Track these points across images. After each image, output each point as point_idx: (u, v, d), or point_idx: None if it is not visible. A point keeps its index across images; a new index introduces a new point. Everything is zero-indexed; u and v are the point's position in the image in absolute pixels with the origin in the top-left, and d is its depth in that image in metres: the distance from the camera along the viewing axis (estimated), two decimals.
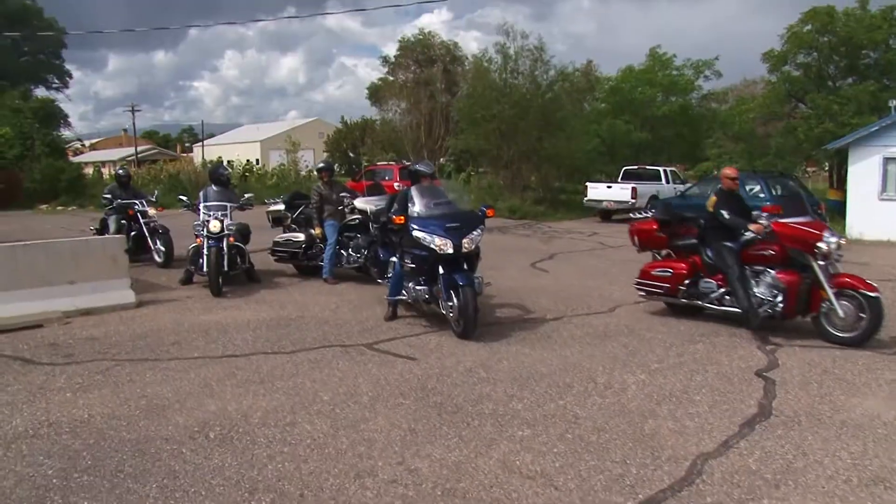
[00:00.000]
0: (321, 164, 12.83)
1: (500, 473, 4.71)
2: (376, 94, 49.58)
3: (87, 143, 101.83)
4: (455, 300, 8.14)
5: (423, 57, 48.59)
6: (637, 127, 33.60)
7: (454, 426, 5.54)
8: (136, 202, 14.13)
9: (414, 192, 9.03)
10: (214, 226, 10.86)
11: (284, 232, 12.89)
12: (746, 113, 27.72)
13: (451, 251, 8.22)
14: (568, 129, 29.73)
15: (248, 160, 52.76)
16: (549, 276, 13.04)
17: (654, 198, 24.31)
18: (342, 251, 12.08)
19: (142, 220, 13.93)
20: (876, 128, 19.61)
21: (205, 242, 10.90)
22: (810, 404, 6.08)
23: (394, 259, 9.53)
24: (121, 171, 15.07)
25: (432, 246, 8.27)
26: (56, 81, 56.52)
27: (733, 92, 41.74)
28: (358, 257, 11.85)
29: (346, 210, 12.09)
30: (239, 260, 11.63)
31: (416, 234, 8.43)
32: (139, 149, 79.66)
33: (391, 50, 50.92)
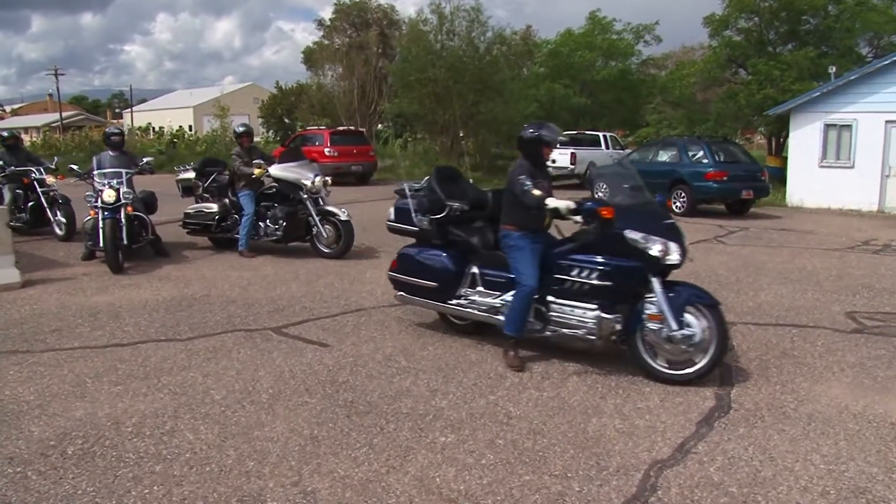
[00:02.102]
0: (241, 128, 11.74)
1: (415, 495, 3.88)
2: (311, 58, 48.24)
3: (8, 108, 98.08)
4: (699, 327, 5.48)
5: (359, 20, 47.45)
6: (576, 92, 32.97)
7: (365, 431, 4.69)
8: (33, 170, 12.85)
9: (609, 171, 6.90)
10: (109, 195, 9.76)
11: (196, 202, 11.83)
12: (687, 78, 27.22)
13: (678, 260, 5.67)
14: (505, 94, 28.93)
15: (179, 126, 50.96)
16: None
17: (593, 164, 23.66)
18: (259, 223, 11.07)
19: (39, 190, 12.68)
20: (817, 94, 19.21)
21: (99, 214, 9.80)
22: (772, 394, 5.38)
23: (504, 275, 6.23)
24: (4, 133, 13.68)
25: (655, 253, 5.55)
26: None
27: (672, 58, 41.39)
28: (276, 229, 10.85)
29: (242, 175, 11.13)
30: (144, 232, 10.54)
31: (629, 235, 5.60)
32: (65, 115, 76.60)
33: (328, 13, 49.40)
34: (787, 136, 22.28)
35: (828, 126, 18.86)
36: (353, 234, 10.87)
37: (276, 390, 5.41)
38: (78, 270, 9.94)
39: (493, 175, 27.46)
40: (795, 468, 4.20)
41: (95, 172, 10.29)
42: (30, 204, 12.78)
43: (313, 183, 10.60)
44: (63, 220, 12.42)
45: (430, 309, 7.05)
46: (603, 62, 34.55)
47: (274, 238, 10.94)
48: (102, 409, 5.08)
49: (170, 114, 73.10)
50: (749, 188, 16.77)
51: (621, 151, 25.32)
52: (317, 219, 10.73)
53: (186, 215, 11.69)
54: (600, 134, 26.96)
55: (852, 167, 18.47)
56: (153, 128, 54.18)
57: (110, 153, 10.68)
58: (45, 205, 12.62)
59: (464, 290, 6.52)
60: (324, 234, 10.81)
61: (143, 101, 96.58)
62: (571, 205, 5.70)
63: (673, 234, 5.71)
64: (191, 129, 56.39)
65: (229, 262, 10.53)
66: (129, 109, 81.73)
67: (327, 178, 11.13)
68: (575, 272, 5.83)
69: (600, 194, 6.55)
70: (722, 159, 17.03)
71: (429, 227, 6.65)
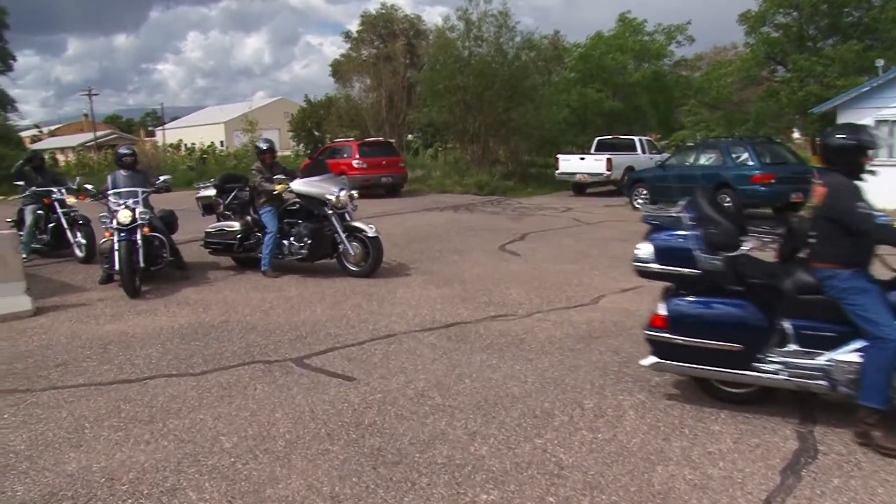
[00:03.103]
0: (264, 144, 10.99)
1: None
2: (339, 71, 48.08)
3: (45, 129, 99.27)
4: None
5: (385, 31, 47.21)
6: (608, 96, 32.17)
7: (394, 488, 4.04)
8: (54, 190, 12.44)
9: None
10: (124, 216, 9.24)
11: (218, 220, 11.28)
12: (724, 77, 26.36)
13: None
14: (536, 99, 28.21)
15: (211, 142, 50.90)
16: (520, 260, 11.53)
17: (629, 169, 22.90)
18: (283, 241, 10.45)
19: (59, 211, 12.26)
20: (867, 88, 18.28)
21: (115, 236, 9.29)
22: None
23: (833, 327, 4.74)
24: (28, 155, 13.32)
25: None
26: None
27: (704, 59, 40.43)
28: (300, 247, 10.21)
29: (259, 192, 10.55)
30: (163, 254, 10.02)
31: None
32: (99, 134, 77.26)
33: (355, 26, 49.15)
34: None
35: (879, 122, 17.89)
36: (381, 250, 10.20)
37: (294, 435, 4.78)
38: (94, 296, 9.42)
39: (525, 183, 26.78)
40: None
41: (110, 192, 9.79)
42: (51, 225, 12.39)
43: (338, 198, 9.97)
44: (83, 241, 11.96)
45: (712, 378, 5.18)
46: (635, 64, 33.72)
47: (299, 257, 10.30)
48: (98, 461, 4.49)
49: (201, 130, 73.48)
50: (799, 190, 15.87)
51: (658, 156, 24.48)
52: (343, 235, 10.08)
53: (207, 234, 11.11)
54: (636, 138, 26.09)
55: None
56: (184, 144, 54.22)
57: (122, 173, 10.18)
58: (66, 226, 12.21)
59: (769, 350, 4.90)
60: (351, 251, 10.13)
61: (176, 118, 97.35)
62: None
63: None
64: (222, 145, 56.37)
65: (252, 283, 9.96)
66: (161, 127, 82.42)
67: (354, 192, 10.50)
68: None
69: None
70: (768, 161, 16.20)
71: (723, 269, 4.89)
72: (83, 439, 4.84)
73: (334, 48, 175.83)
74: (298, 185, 10.20)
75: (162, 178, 10.62)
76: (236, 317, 8.08)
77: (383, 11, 45.07)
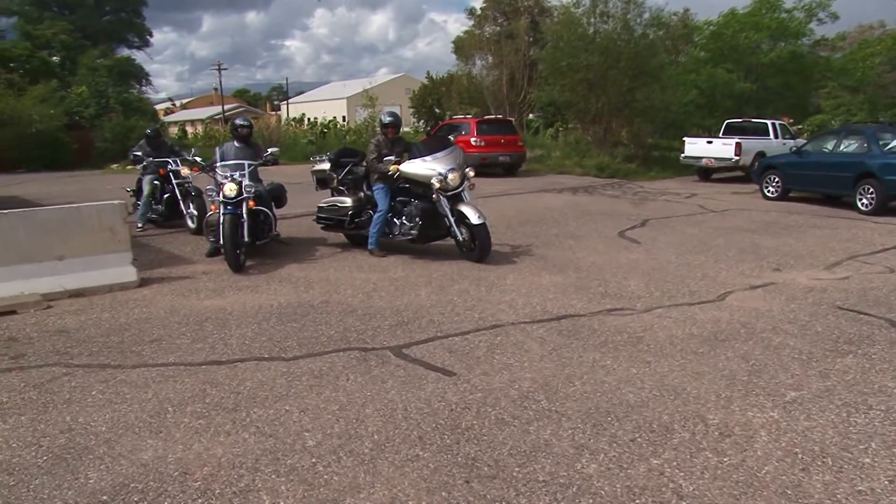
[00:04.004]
0: (387, 118, 10.41)
1: None
2: (461, 48, 47.77)
3: (178, 102, 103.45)
4: None
5: (509, 9, 46.65)
6: (740, 77, 30.42)
7: None
8: (169, 161, 12.52)
9: None
10: (230, 189, 9.06)
11: (333, 195, 10.98)
12: (871, 58, 24.36)
13: None
14: (663, 79, 26.93)
15: (333, 117, 51.52)
16: (640, 248, 10.78)
17: (760, 154, 21.52)
18: (395, 220, 10.06)
19: (174, 182, 12.33)
20: None
21: (220, 209, 9.13)
22: None
23: None
24: (149, 130, 13.43)
25: None
26: (136, 40, 55.90)
27: (848, 39, 37.77)
28: (410, 227, 9.80)
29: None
30: (269, 228, 9.85)
31: None
32: (227, 107, 79.88)
33: (479, 3, 48.73)
34: None
35: None
36: (488, 239, 9.51)
37: (383, 437, 4.35)
38: (199, 268, 9.32)
39: (648, 167, 25.69)
40: None
41: (218, 165, 9.65)
42: (166, 196, 12.50)
43: (444, 180, 9.37)
44: (195, 212, 11.99)
45: None
46: (770, 44, 31.74)
47: (409, 237, 9.90)
48: (175, 451, 4.19)
49: (324, 105, 74.88)
50: None
51: (792, 141, 22.94)
52: (452, 219, 9.54)
53: (320, 209, 10.84)
54: (768, 122, 24.46)
55: None
56: (307, 118, 55.14)
57: (235, 144, 10.04)
58: (179, 197, 12.28)
59: None
60: (458, 236, 9.63)
61: (301, 93, 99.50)
62: None
63: None
64: (344, 120, 57.07)
65: (357, 263, 9.64)
66: (286, 101, 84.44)
67: (469, 171, 9.87)
68: None
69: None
70: None
71: None
72: (164, 425, 4.57)
73: (458, 25, 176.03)
74: (406, 166, 9.70)
75: (270, 150, 10.40)
76: (337, 297, 7.75)
77: None
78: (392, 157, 9.83)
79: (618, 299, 7.66)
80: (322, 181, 11.32)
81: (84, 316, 7.17)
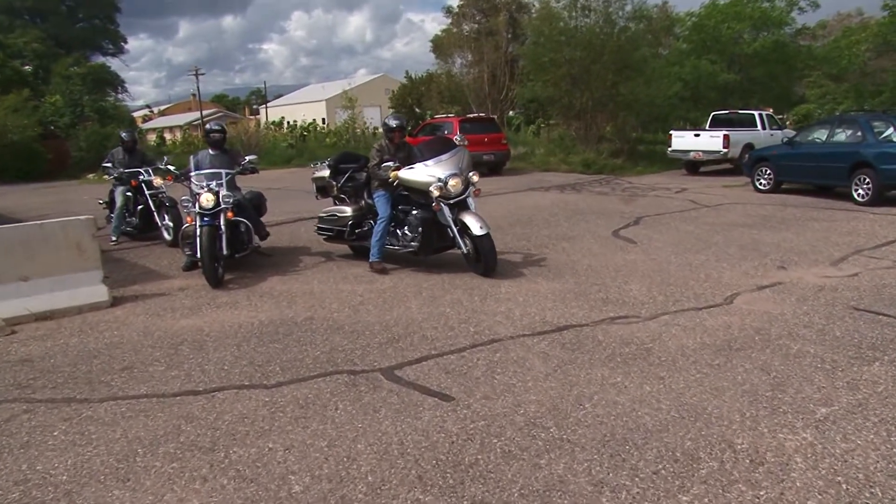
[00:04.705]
0: (393, 122, 9.51)
1: None
2: (440, 46, 47.42)
3: (156, 109, 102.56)
4: None
5: (487, 6, 46.38)
6: (723, 68, 30.12)
7: None
8: (141, 171, 11.98)
9: None
10: (206, 199, 8.56)
11: (334, 204, 10.24)
12: (856, 45, 24.05)
13: None
14: (647, 72, 26.54)
15: (312, 119, 50.89)
16: (637, 248, 10.34)
17: (748, 146, 21.19)
18: (397, 230, 9.31)
19: (147, 193, 11.80)
20: None
21: (196, 220, 8.64)
22: None
23: None
24: (124, 135, 12.73)
25: None
26: (111, 47, 55.05)
27: (828, 28, 37.58)
28: (411, 238, 9.10)
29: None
30: (248, 240, 9.36)
31: None
32: (206, 112, 79.05)
33: (455, 1, 48.25)
34: None
35: None
36: (493, 251, 8.62)
37: (378, 477, 3.89)
38: (175, 284, 8.82)
39: (634, 162, 25.33)
40: None
41: (193, 174, 9.15)
42: (139, 207, 11.98)
43: (444, 187, 8.57)
44: (170, 224, 11.48)
45: None
46: (752, 34, 31.44)
47: (410, 250, 9.16)
48: (144, 503, 3.71)
49: (303, 108, 74.28)
50: None
51: (780, 132, 22.62)
52: (455, 229, 8.68)
53: (320, 219, 10.16)
54: (755, 113, 24.17)
55: None
56: (287, 122, 54.56)
57: (210, 152, 9.55)
58: (153, 208, 11.76)
59: None
60: (462, 247, 8.78)
61: (279, 96, 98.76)
62: None
63: None
64: (323, 122, 56.51)
65: (342, 273, 9.16)
66: (264, 105, 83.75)
67: (473, 175, 8.94)
68: None
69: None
70: None
71: None
72: (132, 470, 4.08)
73: (435, 24, 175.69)
74: (405, 172, 8.89)
75: (248, 158, 9.86)
76: (322, 313, 7.27)
77: None
78: (391, 163, 9.00)
79: (620, 306, 7.22)
80: (322, 189, 10.55)
81: (50, 342, 6.67)
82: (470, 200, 8.85)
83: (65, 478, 4.04)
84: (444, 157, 8.93)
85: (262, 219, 10.26)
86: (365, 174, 9.79)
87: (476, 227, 8.46)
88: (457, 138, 9.58)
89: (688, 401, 4.79)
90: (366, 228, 9.65)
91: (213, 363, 5.86)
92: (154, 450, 4.33)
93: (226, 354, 6.07)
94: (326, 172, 10.27)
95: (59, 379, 5.67)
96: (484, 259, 8.60)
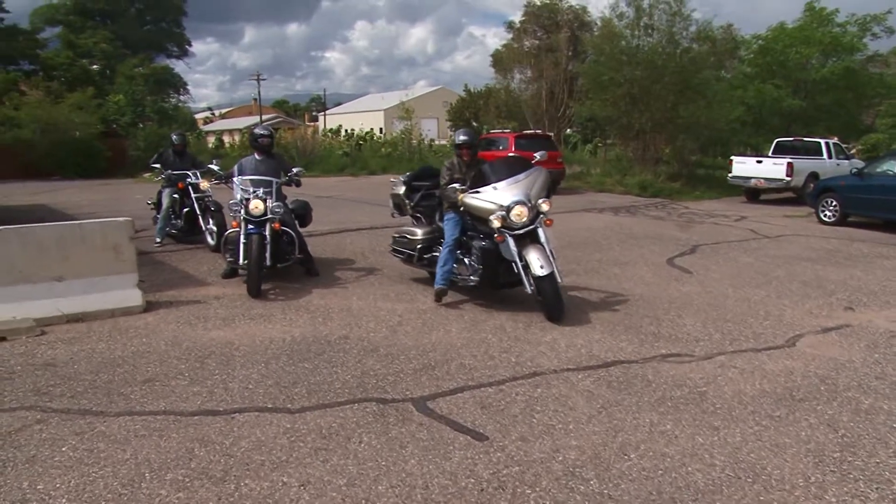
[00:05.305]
0: (461, 137, 8.51)
1: None
2: (500, 61, 47.18)
3: (217, 112, 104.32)
4: None
5: (549, 22, 45.96)
6: (789, 93, 29.26)
7: None
8: (189, 174, 11.85)
9: None
10: (256, 207, 8.38)
11: (413, 223, 9.46)
12: None
13: None
14: (709, 95, 25.88)
15: (370, 129, 51.05)
16: (692, 279, 9.84)
17: (813, 175, 20.44)
18: (463, 259, 8.30)
19: (193, 196, 11.66)
20: None
21: (242, 228, 8.42)
22: None
23: None
24: (175, 138, 12.58)
25: None
26: (176, 49, 56.05)
27: None
28: (471, 273, 8.10)
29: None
30: (292, 250, 9.09)
31: None
32: (265, 117, 79.90)
33: (519, 16, 48.01)
34: None
35: None
36: (556, 296, 7.39)
37: None
38: (212, 291, 8.61)
39: (693, 186, 24.67)
40: None
41: (237, 178, 8.93)
42: (185, 210, 11.85)
43: (508, 216, 7.48)
44: (214, 228, 11.32)
45: None
46: (821, 59, 30.53)
47: (470, 284, 8.14)
48: None
49: (362, 117, 74.72)
50: None
51: (847, 162, 21.80)
52: (520, 264, 7.55)
53: (394, 240, 9.44)
54: (821, 141, 23.33)
55: None
56: (345, 130, 54.82)
57: (256, 157, 9.31)
58: (198, 212, 11.61)
59: None
60: (528, 287, 7.56)
61: (339, 104, 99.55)
62: None
63: None
64: (381, 132, 56.65)
65: (383, 290, 8.85)
66: (324, 112, 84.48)
67: (542, 203, 7.69)
68: None
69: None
70: None
71: None
72: (135, 498, 3.80)
73: (497, 39, 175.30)
74: (469, 197, 7.82)
75: (295, 169, 9.53)
76: (358, 332, 6.96)
77: (547, 2, 43.62)
78: (456, 185, 7.97)
79: (673, 342, 6.77)
80: (398, 206, 9.72)
81: (77, 346, 6.47)
82: (540, 231, 7.67)
83: (64, 500, 3.78)
84: (514, 178, 7.80)
85: (308, 228, 10.01)
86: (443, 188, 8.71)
87: (536, 266, 7.33)
88: (537, 156, 8.62)
89: (745, 458, 4.34)
90: (436, 253, 8.72)
91: (237, 380, 5.58)
92: (162, 475, 4.04)
93: (252, 372, 5.78)
94: (402, 189, 9.46)
95: (78, 388, 5.44)
96: (547, 303, 7.45)
